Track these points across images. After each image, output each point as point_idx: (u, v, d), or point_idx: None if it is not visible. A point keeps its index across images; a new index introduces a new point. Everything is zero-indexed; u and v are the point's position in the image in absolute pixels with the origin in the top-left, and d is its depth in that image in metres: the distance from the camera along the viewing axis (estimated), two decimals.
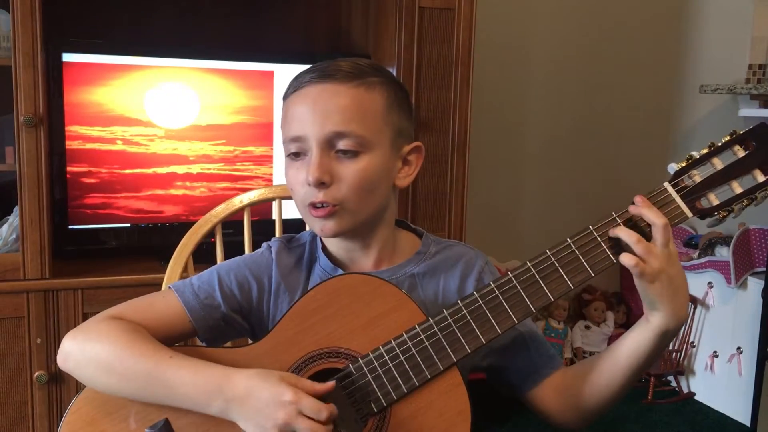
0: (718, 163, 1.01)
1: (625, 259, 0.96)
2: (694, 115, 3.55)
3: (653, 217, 0.97)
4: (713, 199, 1.01)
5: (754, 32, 3.33)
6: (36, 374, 2.02)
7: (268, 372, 0.96)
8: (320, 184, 1.03)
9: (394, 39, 2.31)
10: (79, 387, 2.02)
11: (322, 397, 0.96)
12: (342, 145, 1.03)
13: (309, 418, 0.91)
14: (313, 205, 1.05)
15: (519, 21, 3.25)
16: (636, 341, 1.03)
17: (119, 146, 2.18)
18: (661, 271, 0.96)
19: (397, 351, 1.00)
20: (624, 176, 3.43)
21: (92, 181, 2.17)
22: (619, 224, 0.99)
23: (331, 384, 0.96)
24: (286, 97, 1.09)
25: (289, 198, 1.30)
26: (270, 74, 2.32)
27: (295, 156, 1.07)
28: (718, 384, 3.04)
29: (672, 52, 3.53)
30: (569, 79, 3.37)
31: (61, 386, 2.05)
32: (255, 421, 0.93)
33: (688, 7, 3.51)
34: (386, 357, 1.00)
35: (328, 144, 1.04)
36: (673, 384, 3.17)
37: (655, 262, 0.96)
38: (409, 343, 1.00)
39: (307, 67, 1.09)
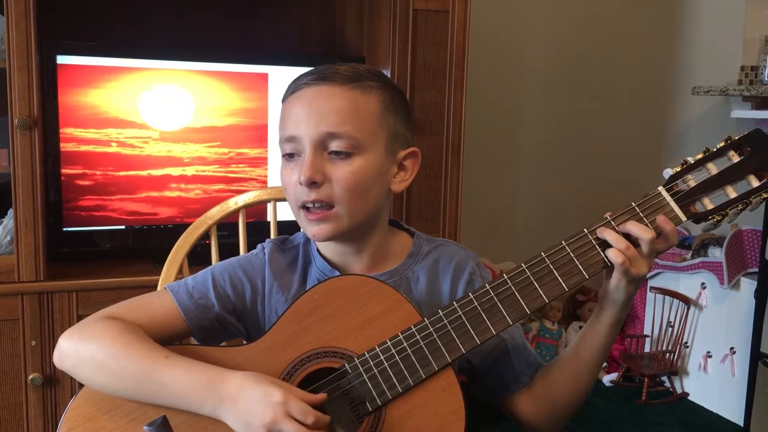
0: (713, 168, 1.02)
1: (612, 254, 0.99)
2: (686, 117, 3.57)
3: (640, 231, 0.99)
4: (708, 203, 1.02)
5: (746, 34, 3.34)
6: (31, 377, 2.01)
7: (262, 375, 0.97)
8: (312, 184, 1.04)
9: (388, 41, 2.32)
10: (74, 389, 2.02)
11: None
12: (335, 146, 1.04)
13: (297, 420, 0.92)
14: (306, 207, 1.06)
15: (513, 23, 3.26)
16: (598, 335, 1.07)
17: (114, 148, 2.18)
18: (642, 276, 1.00)
19: (393, 351, 1.00)
20: (618, 177, 3.44)
21: (87, 183, 2.17)
22: (611, 226, 1.01)
23: (322, 395, 0.96)
24: (284, 98, 1.10)
25: (284, 200, 1.30)
26: (264, 76, 2.32)
27: (289, 157, 1.08)
28: (711, 384, 3.05)
29: (665, 54, 3.54)
30: (563, 81, 3.38)
31: (56, 388, 2.05)
32: (244, 420, 0.94)
33: (681, 9, 3.53)
34: (382, 357, 1.00)
35: (321, 145, 1.04)
36: (667, 384, 3.18)
37: (641, 268, 1.00)
38: (405, 343, 1.00)
39: (301, 69, 1.10)
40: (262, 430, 0.92)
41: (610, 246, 1.00)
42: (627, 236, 1.00)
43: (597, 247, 1.01)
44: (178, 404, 0.99)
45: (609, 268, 1.02)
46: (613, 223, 1.01)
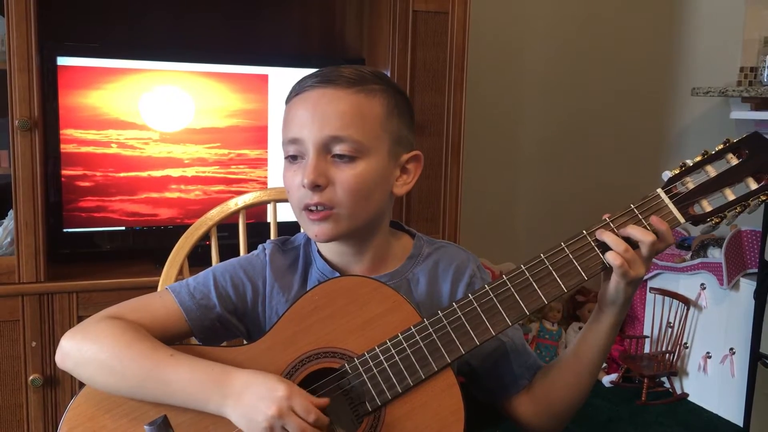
0: (712, 171, 1.02)
1: (611, 257, 1.00)
2: (686, 118, 3.57)
3: (640, 235, 1.00)
4: (706, 205, 1.03)
5: (745, 35, 3.34)
6: (31, 377, 2.02)
7: (267, 373, 0.98)
8: (315, 187, 1.04)
9: (388, 42, 2.32)
10: (74, 390, 2.03)
11: None
12: (338, 149, 1.04)
13: (300, 417, 0.93)
14: (308, 208, 1.06)
15: (512, 23, 3.26)
16: (597, 336, 1.08)
17: (114, 149, 2.18)
18: (641, 277, 1.01)
19: (392, 351, 1.01)
20: (617, 178, 3.45)
21: (87, 184, 2.17)
22: (610, 228, 1.01)
23: (325, 400, 0.97)
24: (288, 100, 1.10)
25: (284, 201, 1.31)
26: (264, 77, 2.32)
27: (292, 159, 1.08)
28: (711, 385, 3.05)
29: (664, 55, 3.55)
30: (562, 82, 3.38)
31: (57, 389, 2.05)
32: (248, 416, 0.95)
33: (681, 10, 3.53)
34: (381, 357, 1.00)
35: (325, 148, 1.04)
36: (667, 385, 3.18)
37: (639, 270, 1.01)
38: (404, 344, 1.01)
39: (301, 70, 1.10)
40: (264, 425, 0.93)
41: (609, 248, 1.00)
42: (626, 239, 1.00)
43: (596, 248, 1.01)
44: (182, 402, 0.99)
45: (608, 269, 1.02)
46: (612, 225, 1.02)
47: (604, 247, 1.01)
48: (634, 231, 1.00)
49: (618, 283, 1.01)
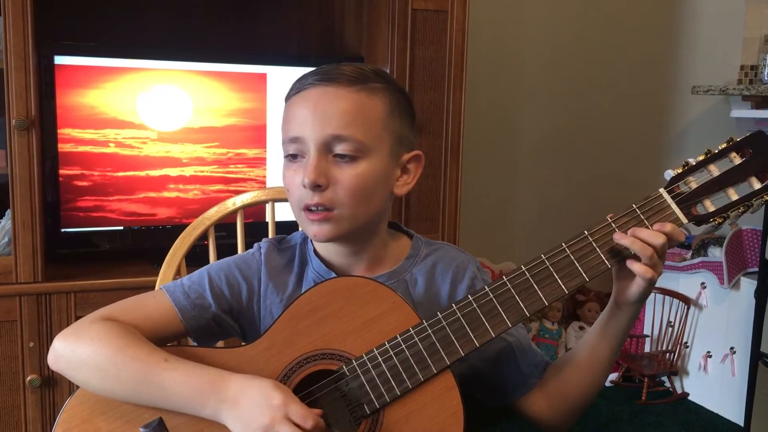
0: (715, 170, 1.01)
1: (641, 269, 0.98)
2: (686, 116, 3.57)
3: (652, 239, 0.98)
4: (709, 205, 1.02)
5: (745, 33, 3.33)
6: (29, 378, 2.01)
7: (263, 378, 0.97)
8: (316, 187, 1.03)
9: (387, 41, 2.31)
10: (72, 390, 2.02)
11: (317, 401, 0.97)
12: (340, 149, 1.03)
13: (295, 424, 0.92)
14: (308, 209, 1.05)
15: (511, 22, 3.25)
16: (615, 332, 1.07)
17: (112, 149, 2.17)
18: (659, 275, 1.00)
19: (391, 353, 0.99)
20: (616, 177, 3.44)
21: (85, 183, 2.16)
22: (634, 233, 0.99)
23: (319, 411, 0.95)
24: (288, 98, 1.09)
25: (283, 200, 1.30)
26: (263, 77, 2.31)
27: (292, 158, 1.07)
28: (711, 384, 3.05)
29: (664, 53, 3.54)
30: (562, 81, 3.37)
31: (54, 390, 2.04)
32: (243, 422, 0.94)
33: (681, 8, 3.52)
34: (380, 359, 0.99)
35: (326, 147, 1.03)
36: (667, 384, 3.17)
37: (660, 269, 1.00)
38: (403, 346, 1.00)
39: (300, 69, 1.09)
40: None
41: (614, 250, 1.00)
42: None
43: (597, 249, 1.00)
44: (178, 407, 0.98)
45: (621, 269, 1.01)
46: (613, 225, 1.01)
47: (606, 248, 1.00)
48: (645, 235, 0.98)
49: (641, 286, 1.00)
